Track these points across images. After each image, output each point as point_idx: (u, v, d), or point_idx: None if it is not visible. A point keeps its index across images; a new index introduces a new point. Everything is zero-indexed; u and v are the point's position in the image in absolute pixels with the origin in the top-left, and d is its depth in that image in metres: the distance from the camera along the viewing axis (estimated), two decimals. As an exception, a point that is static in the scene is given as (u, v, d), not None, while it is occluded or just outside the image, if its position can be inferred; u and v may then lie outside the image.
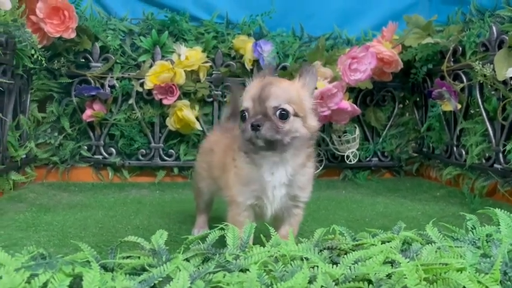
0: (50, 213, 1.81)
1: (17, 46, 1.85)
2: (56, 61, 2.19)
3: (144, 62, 2.26)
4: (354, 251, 1.05)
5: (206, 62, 2.29)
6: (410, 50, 2.23)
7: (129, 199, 2.11)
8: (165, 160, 2.37)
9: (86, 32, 2.19)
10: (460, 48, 2.06)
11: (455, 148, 2.18)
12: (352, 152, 2.41)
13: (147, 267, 0.95)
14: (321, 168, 2.48)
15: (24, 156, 2.13)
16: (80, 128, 2.33)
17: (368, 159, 2.58)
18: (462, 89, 2.03)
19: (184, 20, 2.34)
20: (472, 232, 1.16)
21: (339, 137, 2.41)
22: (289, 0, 2.53)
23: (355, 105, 2.13)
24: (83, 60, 2.26)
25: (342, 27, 2.56)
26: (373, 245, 1.06)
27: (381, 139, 2.60)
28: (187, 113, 2.22)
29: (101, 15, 2.31)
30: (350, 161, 2.41)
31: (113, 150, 2.35)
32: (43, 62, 1.92)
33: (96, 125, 2.31)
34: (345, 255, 0.99)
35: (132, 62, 2.30)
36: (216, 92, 2.36)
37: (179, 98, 2.27)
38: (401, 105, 2.62)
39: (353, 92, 2.46)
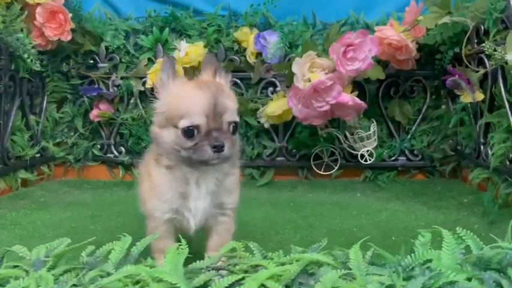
0: (41, 212, 1.87)
1: (15, 51, 1.94)
2: (64, 63, 2.27)
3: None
4: (247, 273, 0.91)
5: (207, 57, 2.21)
6: (432, 32, 1.91)
7: (133, 197, 2.11)
8: (172, 159, 2.34)
9: (91, 34, 2.24)
10: (483, 27, 1.70)
11: (482, 146, 1.82)
12: (367, 151, 2.15)
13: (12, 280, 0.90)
14: (336, 168, 2.26)
15: (39, 155, 2.25)
16: (92, 128, 2.40)
17: (394, 158, 2.29)
18: (486, 76, 1.69)
19: (188, 15, 2.28)
20: (411, 256, 0.93)
21: (352, 134, 2.16)
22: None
23: (357, 99, 1.88)
24: (91, 61, 2.32)
25: (360, 12, 2.29)
26: (265, 268, 0.90)
27: (409, 136, 2.29)
28: (184, 111, 2.16)
29: (108, 15, 2.33)
30: (366, 160, 2.16)
31: (123, 149, 2.38)
32: (37, 65, 1.98)
33: (105, 125, 2.36)
34: (221, 280, 0.85)
35: (137, 61, 2.30)
36: (220, 88, 2.26)
37: (180, 96, 2.22)
38: (434, 96, 2.28)
39: (373, 83, 2.20)
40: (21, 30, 1.99)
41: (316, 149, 2.25)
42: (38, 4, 2.03)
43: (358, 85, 2.20)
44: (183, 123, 1.00)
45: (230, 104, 1.05)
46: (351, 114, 1.93)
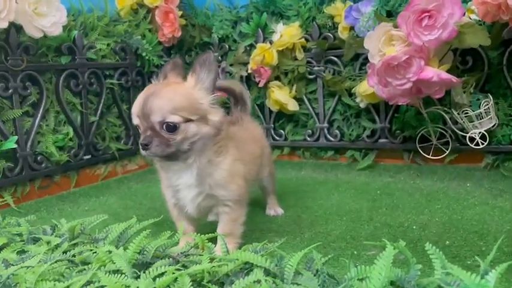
0: (152, 187, 2.22)
1: (138, 51, 2.32)
2: (187, 55, 2.58)
3: (247, 46, 2.36)
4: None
5: (301, 37, 2.17)
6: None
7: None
8: (276, 140, 2.41)
9: (204, 27, 2.47)
10: None
11: None
12: (479, 133, 1.78)
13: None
14: (447, 152, 1.95)
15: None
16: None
17: (526, 140, 1.83)
18: None
19: (286, -5, 2.27)
20: (356, 269, 0.85)
21: (462, 112, 1.81)
22: None
23: (444, 74, 1.57)
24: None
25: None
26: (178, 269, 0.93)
27: (549, 112, 1.79)
28: (277, 94, 2.19)
29: (220, 7, 2.51)
30: (477, 144, 1.80)
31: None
32: (159, 60, 2.33)
33: (221, 108, 2.59)
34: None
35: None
36: (317, 68, 2.20)
37: (278, 78, 2.26)
38: None
39: (493, 49, 1.79)
40: (149, 30, 2.36)
41: (421, 130, 1.99)
42: (156, 7, 2.35)
43: (473, 53, 1.83)
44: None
45: (159, 105, 1.09)
46: (441, 92, 1.64)
